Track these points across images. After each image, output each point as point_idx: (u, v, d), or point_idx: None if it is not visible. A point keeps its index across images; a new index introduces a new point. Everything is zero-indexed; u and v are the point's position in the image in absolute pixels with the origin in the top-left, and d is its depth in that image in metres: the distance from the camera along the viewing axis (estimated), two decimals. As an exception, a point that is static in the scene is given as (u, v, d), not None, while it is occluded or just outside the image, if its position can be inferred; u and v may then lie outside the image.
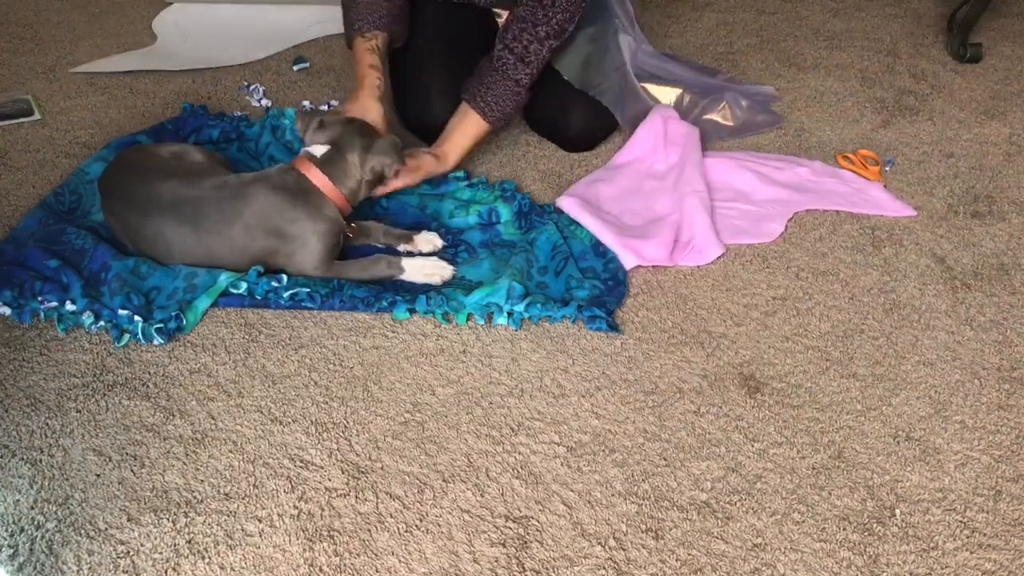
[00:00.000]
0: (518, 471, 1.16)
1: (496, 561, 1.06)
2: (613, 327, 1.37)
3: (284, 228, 1.37)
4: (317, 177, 1.41)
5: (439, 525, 1.10)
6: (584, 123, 1.78)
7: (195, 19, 2.26)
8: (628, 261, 1.49)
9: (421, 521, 1.10)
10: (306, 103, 1.92)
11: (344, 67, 2.07)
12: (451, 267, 1.46)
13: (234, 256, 1.39)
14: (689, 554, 1.07)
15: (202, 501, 1.11)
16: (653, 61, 1.93)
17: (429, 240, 1.51)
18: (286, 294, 1.38)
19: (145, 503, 1.11)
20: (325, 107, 1.90)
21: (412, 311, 1.39)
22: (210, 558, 1.05)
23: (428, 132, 1.78)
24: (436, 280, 1.44)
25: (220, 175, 1.42)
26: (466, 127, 1.65)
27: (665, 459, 1.19)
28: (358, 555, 1.06)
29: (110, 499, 1.11)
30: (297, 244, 1.38)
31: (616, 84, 1.78)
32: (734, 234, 1.58)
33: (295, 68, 2.05)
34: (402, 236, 1.51)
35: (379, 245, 1.52)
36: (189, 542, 1.07)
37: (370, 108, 1.57)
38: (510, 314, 1.38)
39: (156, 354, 1.32)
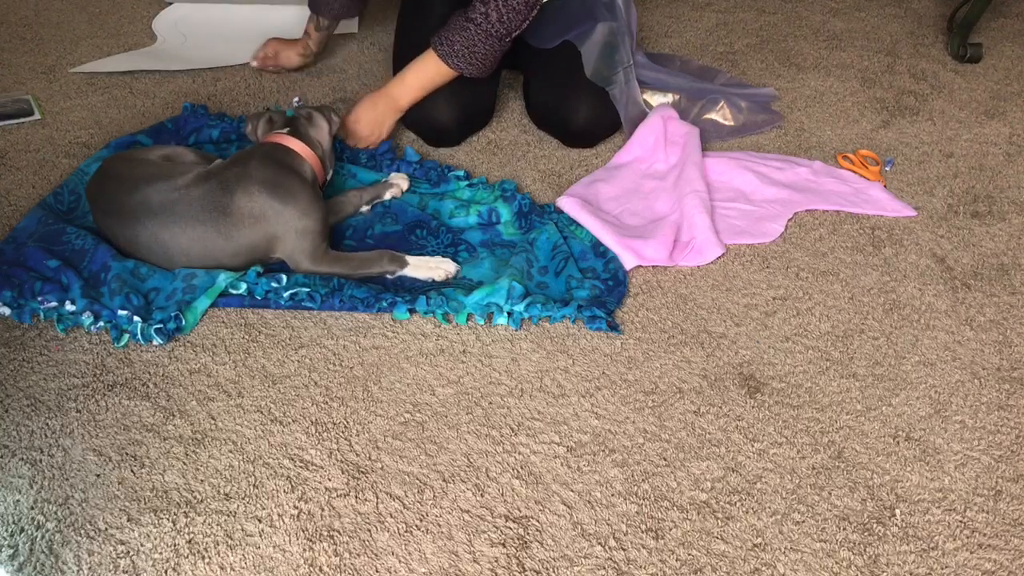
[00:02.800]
0: (518, 471, 1.16)
1: (496, 561, 1.06)
2: (613, 327, 1.37)
3: (272, 204, 1.38)
4: (293, 143, 1.46)
5: (439, 525, 1.10)
6: (588, 116, 1.77)
7: (195, 19, 2.26)
8: (628, 261, 1.49)
9: (421, 521, 1.10)
10: (296, 99, 1.92)
11: (344, 66, 2.07)
12: (454, 263, 1.46)
13: (230, 247, 1.38)
14: (689, 554, 1.07)
15: (202, 501, 1.11)
16: (648, 73, 1.93)
17: (402, 176, 1.64)
18: (286, 294, 1.38)
19: (145, 503, 1.11)
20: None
21: (412, 311, 1.39)
22: (210, 558, 1.05)
23: (430, 132, 1.79)
24: (440, 275, 1.44)
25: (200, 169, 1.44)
26: (422, 68, 1.71)
27: (665, 459, 1.19)
28: (358, 555, 1.06)
29: (110, 499, 1.11)
30: (288, 217, 1.39)
31: (621, 81, 1.78)
32: (734, 234, 1.58)
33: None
34: (378, 186, 1.61)
35: (363, 210, 1.58)
36: (189, 542, 1.07)
37: (292, 59, 2.00)
38: (510, 314, 1.38)
39: (156, 354, 1.32)
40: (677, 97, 1.90)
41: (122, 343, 1.32)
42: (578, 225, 1.56)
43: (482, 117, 1.84)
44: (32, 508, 1.10)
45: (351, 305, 1.39)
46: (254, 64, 2.01)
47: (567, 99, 1.77)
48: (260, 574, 1.04)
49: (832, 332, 1.40)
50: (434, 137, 1.79)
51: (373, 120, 1.73)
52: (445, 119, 1.75)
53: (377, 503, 1.12)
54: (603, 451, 1.20)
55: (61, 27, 2.23)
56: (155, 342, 1.32)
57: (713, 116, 1.88)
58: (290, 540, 1.07)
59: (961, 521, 1.12)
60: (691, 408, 1.26)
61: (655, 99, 1.90)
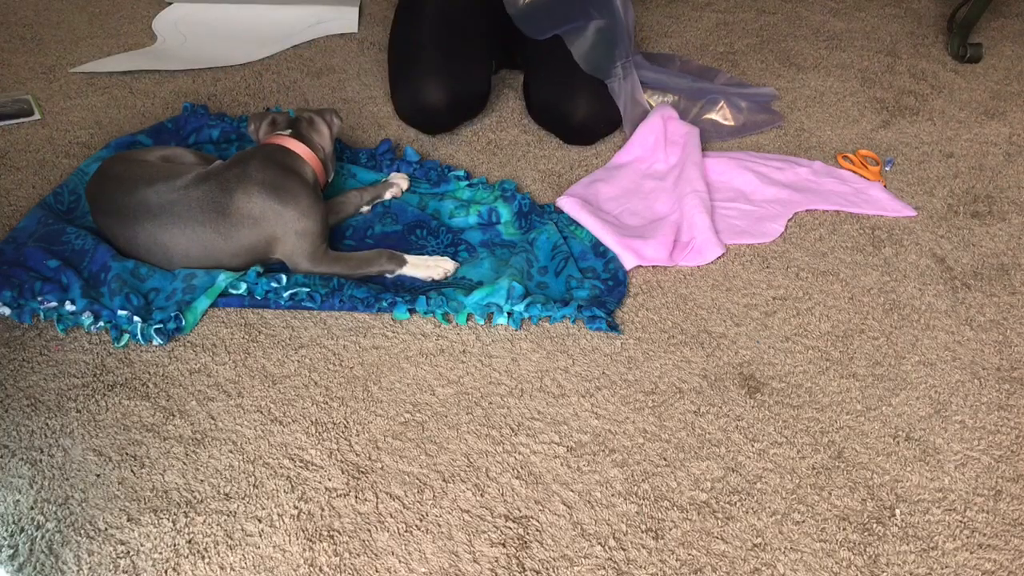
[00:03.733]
0: (518, 471, 1.16)
1: (496, 561, 1.06)
2: (613, 327, 1.37)
3: (272, 205, 1.37)
4: (294, 145, 1.46)
5: (439, 525, 1.10)
6: (588, 111, 1.76)
7: (195, 19, 2.26)
8: (628, 261, 1.49)
9: (421, 521, 1.10)
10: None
11: (344, 67, 2.07)
12: (453, 261, 1.46)
13: (230, 248, 1.38)
14: (689, 554, 1.07)
15: (202, 501, 1.11)
16: (648, 73, 1.93)
17: (402, 176, 1.64)
18: (286, 294, 1.38)
19: (145, 503, 1.11)
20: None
21: (412, 311, 1.39)
22: (210, 558, 1.05)
23: (420, 118, 1.77)
24: (439, 273, 1.44)
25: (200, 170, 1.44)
26: None
27: (665, 459, 1.19)
28: (358, 555, 1.06)
29: (110, 499, 1.11)
30: (288, 218, 1.38)
31: (619, 75, 1.78)
32: (734, 234, 1.58)
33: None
34: (379, 186, 1.61)
35: (364, 210, 1.58)
36: (189, 542, 1.07)
37: None
38: (510, 314, 1.38)
39: (156, 354, 1.32)
40: (677, 98, 1.90)
41: (122, 343, 1.32)
42: (578, 225, 1.56)
43: (475, 102, 1.83)
44: (32, 508, 1.10)
45: (351, 305, 1.39)
46: None
47: (567, 95, 1.77)
48: (260, 574, 1.04)
49: (832, 332, 1.40)
50: (427, 121, 1.78)
51: None
52: (435, 99, 1.73)
53: (377, 503, 1.12)
54: (603, 451, 1.20)
55: (61, 27, 2.23)
56: (155, 342, 1.32)
57: (713, 116, 1.88)
58: (290, 540, 1.07)
59: (961, 521, 1.13)
60: (691, 408, 1.26)
61: (655, 99, 1.90)
